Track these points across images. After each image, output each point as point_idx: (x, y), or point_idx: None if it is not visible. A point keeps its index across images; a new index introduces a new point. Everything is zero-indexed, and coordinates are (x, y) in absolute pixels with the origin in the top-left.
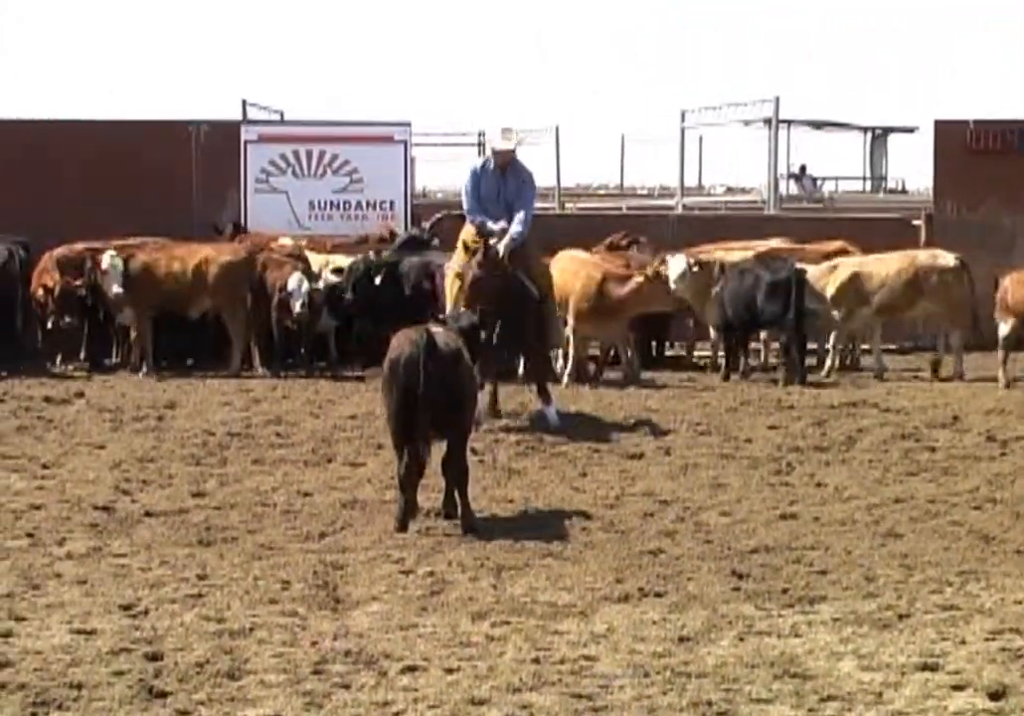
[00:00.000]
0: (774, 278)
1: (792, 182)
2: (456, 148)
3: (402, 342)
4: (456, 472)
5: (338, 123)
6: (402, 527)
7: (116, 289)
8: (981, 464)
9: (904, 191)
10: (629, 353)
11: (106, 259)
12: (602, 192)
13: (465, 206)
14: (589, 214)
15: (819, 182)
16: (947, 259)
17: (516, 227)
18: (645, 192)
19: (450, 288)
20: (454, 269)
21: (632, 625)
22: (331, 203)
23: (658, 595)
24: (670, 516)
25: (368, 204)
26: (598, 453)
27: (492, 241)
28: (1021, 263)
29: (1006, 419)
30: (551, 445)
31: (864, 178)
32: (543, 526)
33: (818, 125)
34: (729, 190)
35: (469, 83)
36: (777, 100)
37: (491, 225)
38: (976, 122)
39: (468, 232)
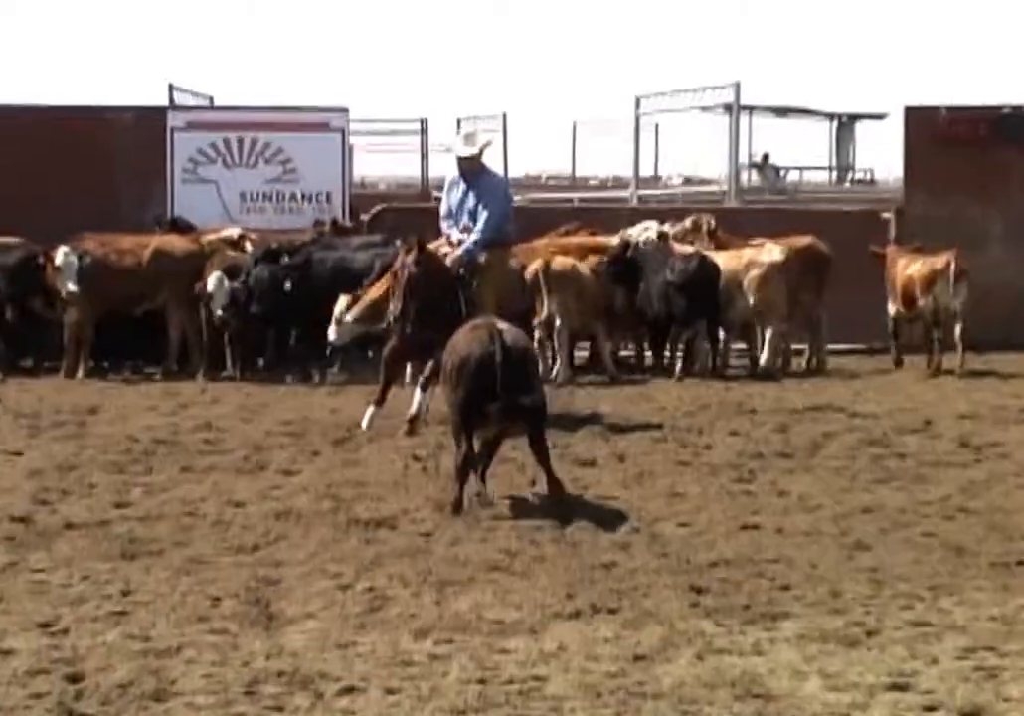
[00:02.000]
0: (684, 269)
1: (754, 172)
2: (397, 136)
3: (471, 339)
4: (543, 455)
5: (271, 109)
6: (456, 509)
7: (71, 287)
8: (954, 471)
9: (872, 182)
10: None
11: (59, 255)
12: (552, 183)
13: (441, 217)
14: (539, 207)
15: (782, 172)
16: (772, 254)
17: (470, 238)
18: (598, 183)
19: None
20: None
21: (584, 643)
22: (264, 194)
23: (611, 611)
24: (624, 527)
25: (303, 196)
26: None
27: (444, 248)
28: (994, 258)
29: (980, 424)
30: (499, 452)
31: (830, 168)
32: (489, 538)
33: (781, 112)
34: (687, 181)
35: (411, 68)
36: (738, 85)
37: (455, 235)
38: (949, 109)
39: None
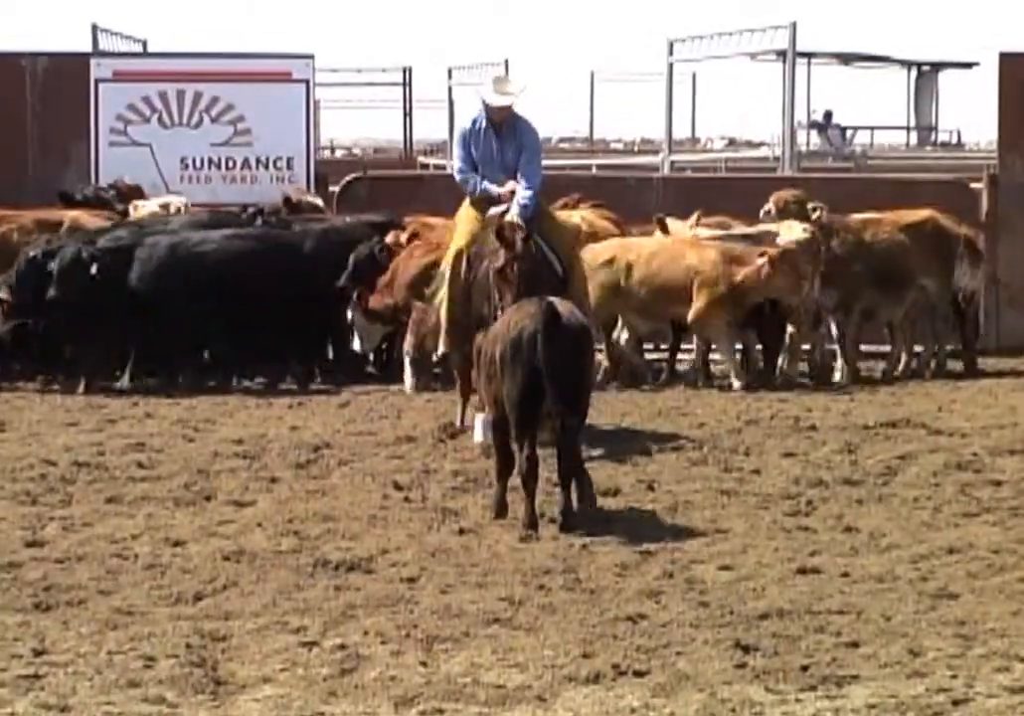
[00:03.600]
0: None
1: (814, 133)
2: (374, 88)
3: (521, 316)
4: (573, 463)
5: (219, 56)
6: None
7: None
8: None
9: (959, 144)
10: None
11: None
12: (566, 146)
13: (456, 173)
14: (548, 175)
15: (849, 133)
16: (791, 233)
17: (524, 192)
18: (622, 147)
19: (448, 280)
20: (449, 259)
21: (604, 714)
22: (209, 160)
23: (639, 674)
24: (654, 571)
25: (258, 162)
26: (560, 488)
27: (497, 210)
28: None
29: None
30: None
31: (908, 128)
32: (487, 584)
33: (847, 59)
34: (732, 144)
35: (391, 6)
36: (794, 26)
37: (494, 189)
38: None
39: (467, 208)
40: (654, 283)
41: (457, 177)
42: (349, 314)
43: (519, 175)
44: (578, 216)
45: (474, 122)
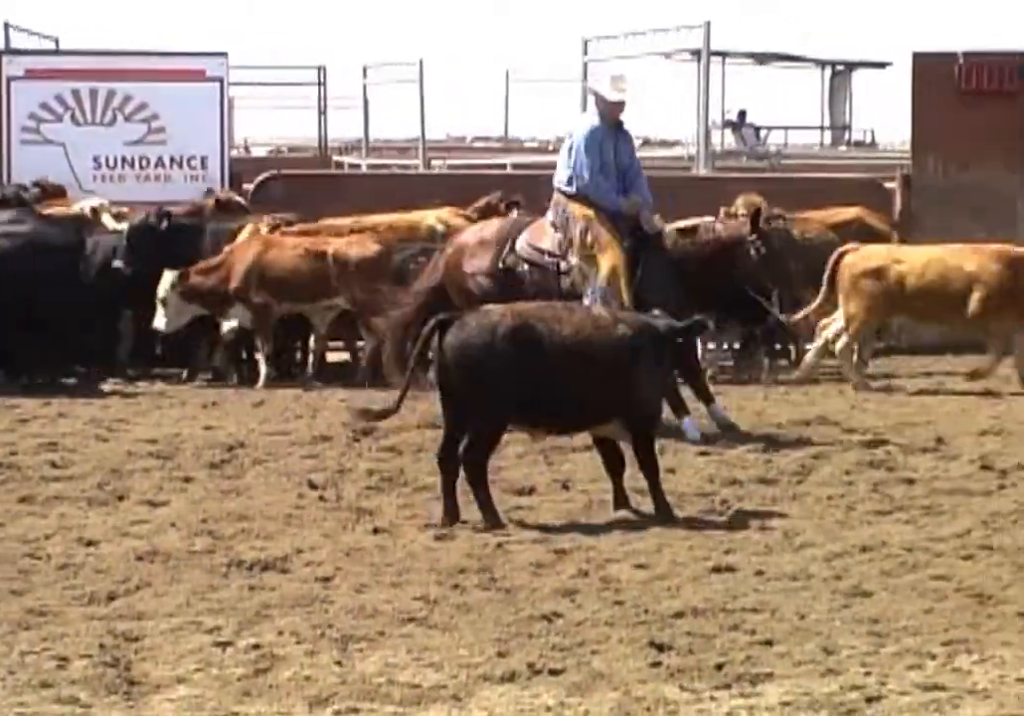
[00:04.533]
0: None
1: (728, 132)
2: (289, 88)
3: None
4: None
5: (132, 54)
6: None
7: None
8: (974, 500)
9: (873, 144)
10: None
11: None
12: (480, 145)
13: (587, 180)
14: (464, 174)
15: (763, 132)
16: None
17: (644, 203)
18: (536, 145)
19: (613, 261)
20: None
21: (519, 712)
22: (123, 159)
23: (554, 673)
24: (569, 570)
25: (172, 160)
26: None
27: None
28: None
29: (1006, 441)
30: (413, 477)
31: (822, 127)
32: (402, 583)
33: (761, 58)
34: (647, 143)
35: (305, 3)
36: (708, 26)
37: (625, 203)
38: (967, 55)
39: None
40: (933, 290)
41: (589, 183)
42: (160, 291)
43: (634, 187)
44: (433, 216)
45: (598, 125)
